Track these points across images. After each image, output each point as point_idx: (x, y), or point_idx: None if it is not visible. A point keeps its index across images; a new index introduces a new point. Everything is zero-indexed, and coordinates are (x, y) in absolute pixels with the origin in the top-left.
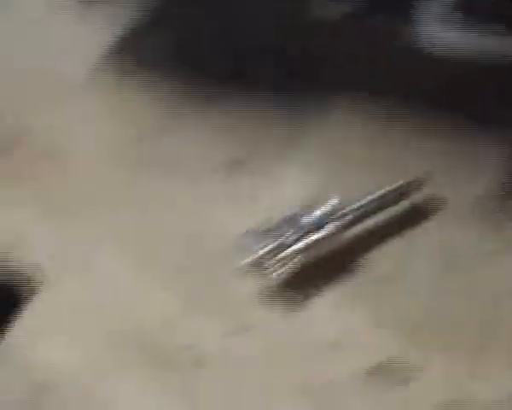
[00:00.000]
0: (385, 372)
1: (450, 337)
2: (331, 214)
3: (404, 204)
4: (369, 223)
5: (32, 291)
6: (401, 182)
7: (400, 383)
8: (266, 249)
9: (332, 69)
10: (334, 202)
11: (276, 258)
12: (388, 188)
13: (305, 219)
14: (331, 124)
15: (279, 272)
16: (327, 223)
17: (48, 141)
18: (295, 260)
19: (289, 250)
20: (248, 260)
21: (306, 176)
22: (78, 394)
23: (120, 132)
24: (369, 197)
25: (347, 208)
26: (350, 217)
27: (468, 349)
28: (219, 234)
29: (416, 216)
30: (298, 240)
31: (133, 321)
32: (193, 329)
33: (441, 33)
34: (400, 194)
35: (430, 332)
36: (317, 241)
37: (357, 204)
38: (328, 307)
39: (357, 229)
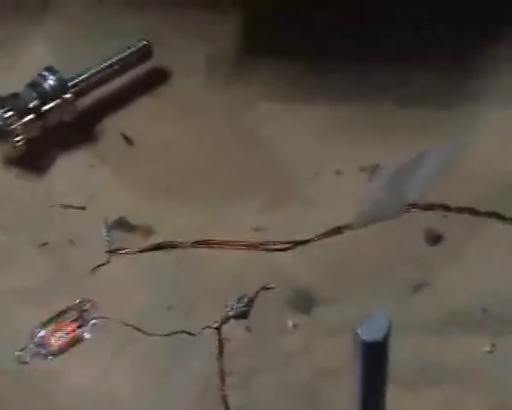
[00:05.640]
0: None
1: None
2: (71, 80)
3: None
4: (113, 86)
5: None
6: (140, 44)
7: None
8: (10, 114)
9: None
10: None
11: (20, 122)
12: (126, 51)
13: (48, 85)
14: None
15: (22, 137)
16: (68, 88)
17: None
18: (37, 124)
19: (32, 115)
20: None
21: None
22: None
23: None
24: (109, 61)
25: (88, 73)
26: (94, 79)
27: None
28: None
29: (156, 77)
30: (41, 105)
31: None
32: None
33: None
34: (140, 56)
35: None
36: (59, 105)
37: (98, 68)
38: (70, 172)
39: (101, 92)
